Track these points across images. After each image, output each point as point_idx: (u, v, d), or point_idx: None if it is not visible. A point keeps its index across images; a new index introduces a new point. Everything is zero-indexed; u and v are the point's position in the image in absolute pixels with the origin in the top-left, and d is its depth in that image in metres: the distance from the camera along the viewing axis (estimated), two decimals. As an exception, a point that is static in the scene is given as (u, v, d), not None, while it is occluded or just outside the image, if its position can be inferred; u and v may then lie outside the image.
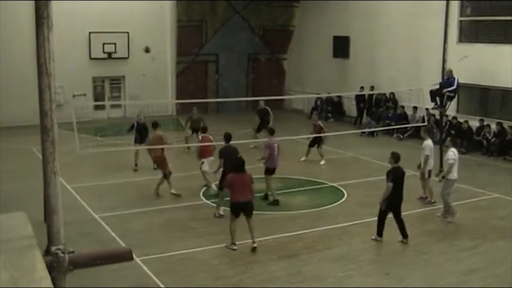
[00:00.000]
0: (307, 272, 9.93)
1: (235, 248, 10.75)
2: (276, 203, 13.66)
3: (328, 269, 10.04)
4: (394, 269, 10.14)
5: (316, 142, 17.98)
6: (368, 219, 12.34)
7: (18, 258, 3.41)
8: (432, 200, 13.60)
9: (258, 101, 20.62)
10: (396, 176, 11.09)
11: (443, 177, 12.66)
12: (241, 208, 10.76)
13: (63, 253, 4.00)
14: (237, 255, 10.59)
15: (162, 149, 14.30)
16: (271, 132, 14.53)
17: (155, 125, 15.21)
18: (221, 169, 12.91)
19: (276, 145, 13.95)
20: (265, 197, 13.93)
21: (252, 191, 10.90)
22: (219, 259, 10.49)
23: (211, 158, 14.47)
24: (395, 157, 11.28)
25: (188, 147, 18.53)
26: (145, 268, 9.92)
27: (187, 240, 11.35)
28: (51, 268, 3.82)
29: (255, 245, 10.77)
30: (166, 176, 14.21)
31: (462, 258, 10.62)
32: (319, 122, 18.67)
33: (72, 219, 11.82)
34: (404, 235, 11.25)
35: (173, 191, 14.13)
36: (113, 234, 11.71)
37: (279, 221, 12.64)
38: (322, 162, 17.84)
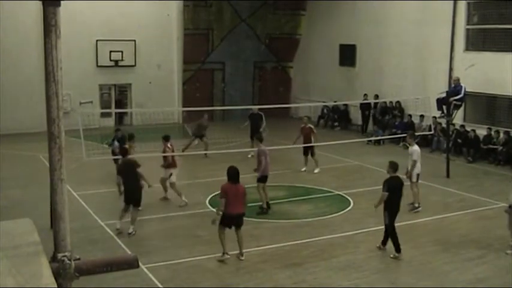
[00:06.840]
0: (312, 280, 9.90)
1: (228, 257, 10.60)
2: (265, 211, 13.48)
3: (334, 278, 10.00)
4: (400, 278, 10.10)
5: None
6: (374, 228, 12.29)
7: (24, 265, 3.42)
8: (416, 205, 13.68)
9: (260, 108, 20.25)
10: (392, 186, 10.90)
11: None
12: (233, 221, 10.60)
13: (69, 260, 3.99)
14: (243, 264, 10.57)
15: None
16: (260, 139, 14.18)
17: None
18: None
19: (267, 152, 13.76)
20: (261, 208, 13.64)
21: (245, 204, 10.74)
22: (225, 267, 10.47)
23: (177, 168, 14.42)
24: (393, 166, 11.13)
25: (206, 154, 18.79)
26: (151, 276, 9.92)
27: (193, 248, 11.34)
28: (57, 275, 3.82)
29: (242, 258, 10.69)
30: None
31: (469, 267, 10.58)
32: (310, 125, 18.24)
33: (79, 226, 11.88)
34: (397, 249, 10.91)
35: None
36: (119, 241, 11.72)
37: (284, 229, 12.62)
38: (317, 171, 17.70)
